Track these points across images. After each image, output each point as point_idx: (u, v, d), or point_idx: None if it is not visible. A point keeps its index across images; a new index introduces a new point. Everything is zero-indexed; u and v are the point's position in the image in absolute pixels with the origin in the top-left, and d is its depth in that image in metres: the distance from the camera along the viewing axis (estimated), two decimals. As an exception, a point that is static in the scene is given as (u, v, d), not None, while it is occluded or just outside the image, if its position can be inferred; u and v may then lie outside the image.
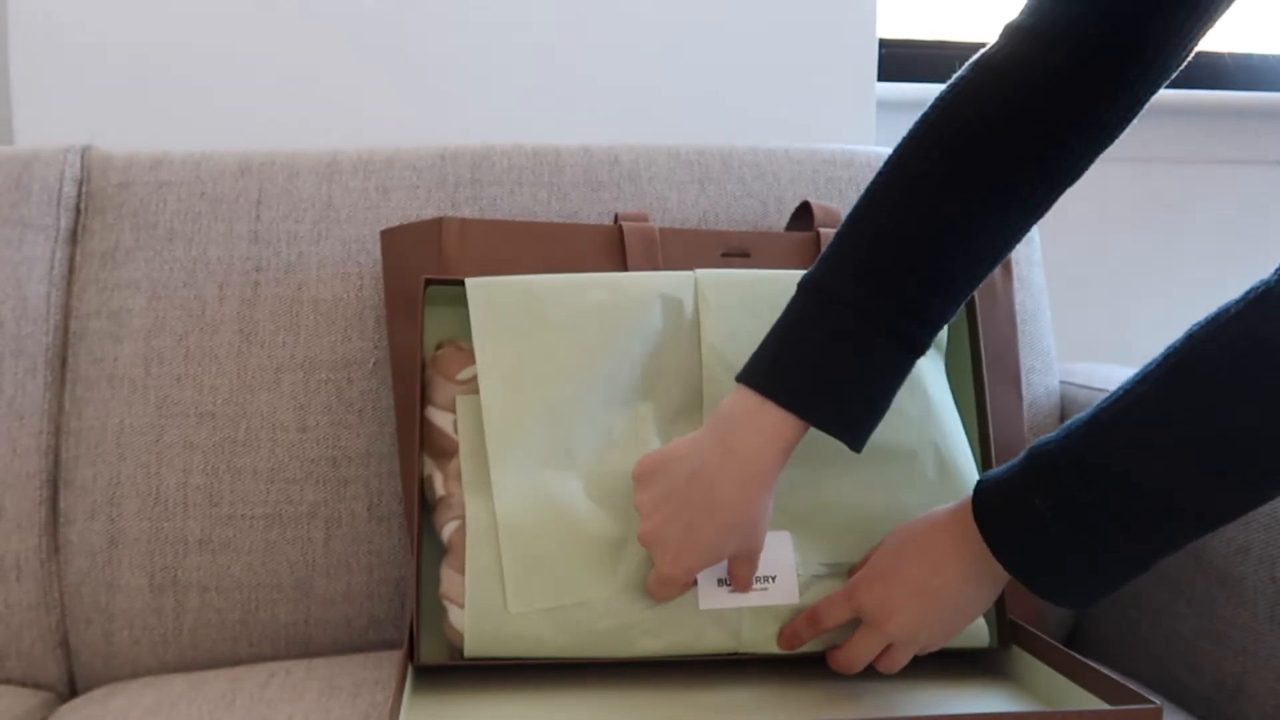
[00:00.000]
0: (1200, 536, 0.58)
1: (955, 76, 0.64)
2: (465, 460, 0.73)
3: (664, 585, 0.68)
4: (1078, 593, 0.61)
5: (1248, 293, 0.55)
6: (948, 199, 0.63)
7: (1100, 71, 0.60)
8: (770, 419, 0.64)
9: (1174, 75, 0.63)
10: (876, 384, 0.65)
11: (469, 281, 0.75)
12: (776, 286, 0.76)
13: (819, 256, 0.66)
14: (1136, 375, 0.59)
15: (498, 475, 0.71)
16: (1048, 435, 0.62)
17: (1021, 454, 0.63)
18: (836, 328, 0.63)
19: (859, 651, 0.69)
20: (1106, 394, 0.60)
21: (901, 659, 0.68)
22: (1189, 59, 0.62)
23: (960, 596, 0.66)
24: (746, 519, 0.66)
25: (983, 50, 0.64)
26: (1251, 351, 0.54)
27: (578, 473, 0.72)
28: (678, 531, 0.66)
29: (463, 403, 0.75)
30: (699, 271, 0.77)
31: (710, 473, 0.65)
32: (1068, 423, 0.61)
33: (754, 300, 0.76)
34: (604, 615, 0.70)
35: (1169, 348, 0.58)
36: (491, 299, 0.74)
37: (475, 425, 0.74)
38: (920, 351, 0.65)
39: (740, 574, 0.70)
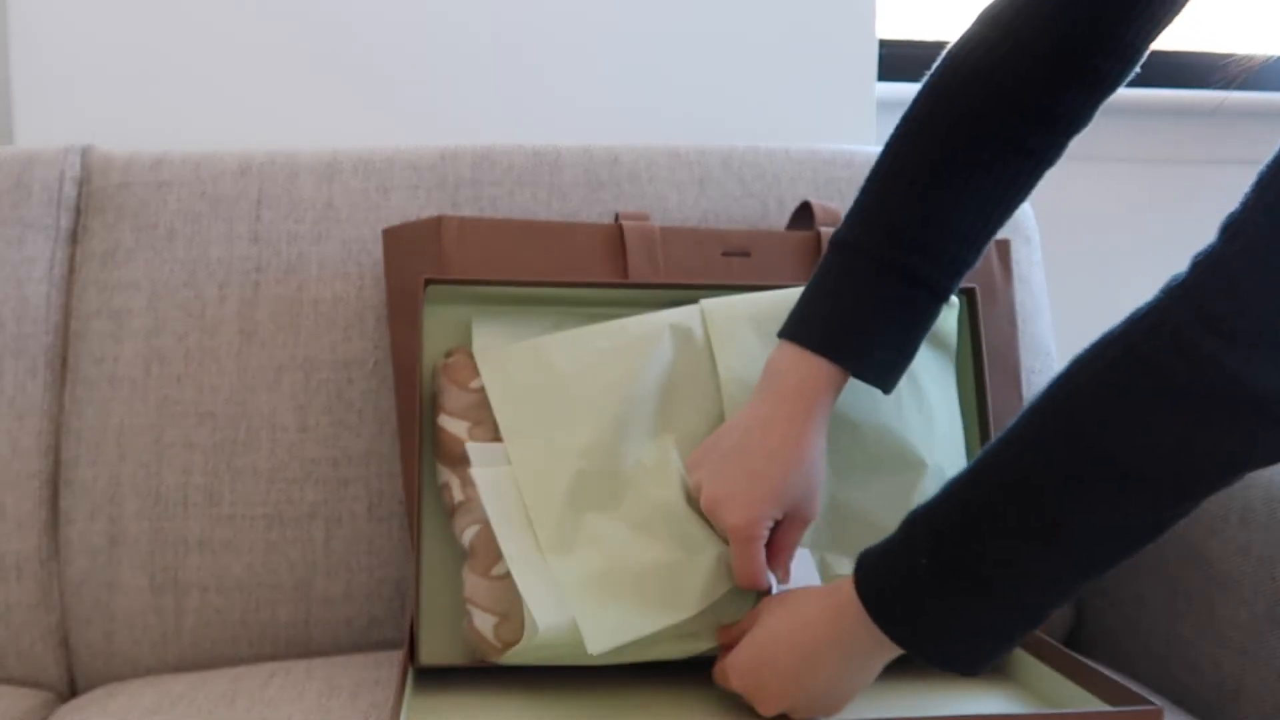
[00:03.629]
0: (1090, 579, 0.57)
1: (964, 31, 0.67)
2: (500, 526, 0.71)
3: (742, 544, 0.66)
4: (972, 654, 0.59)
5: (1131, 315, 0.54)
6: (956, 149, 0.66)
7: (1097, 19, 0.63)
8: (808, 364, 0.67)
9: (1169, 23, 0.65)
10: (902, 328, 0.68)
11: (478, 355, 0.75)
12: (783, 303, 0.76)
13: (848, 212, 0.70)
14: (1020, 412, 0.57)
15: (545, 534, 0.70)
16: (926, 501, 0.60)
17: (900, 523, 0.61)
18: (860, 277, 0.68)
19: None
20: None
21: None
22: (1184, 8, 0.64)
23: (840, 680, 0.63)
24: (805, 461, 0.67)
25: (990, 4, 0.67)
26: (1132, 374, 0.53)
27: (621, 510, 0.72)
28: (743, 480, 0.67)
29: (484, 476, 0.73)
30: (704, 301, 0.78)
31: (765, 419, 0.68)
32: (947, 482, 0.60)
33: (762, 319, 0.76)
34: (676, 631, 0.69)
35: (1052, 379, 0.56)
36: (504, 366, 0.75)
37: (501, 494, 0.72)
38: (943, 296, 0.69)
39: (788, 539, 0.69)
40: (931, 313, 0.69)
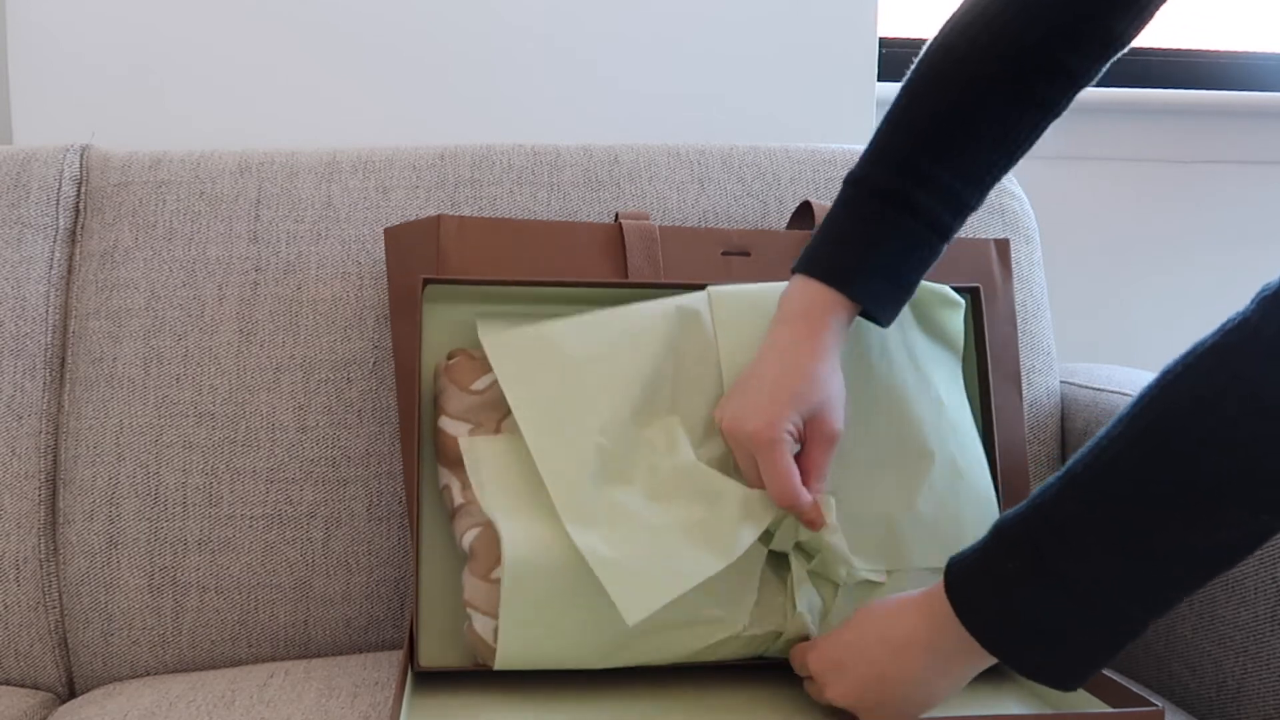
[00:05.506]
0: (1189, 591, 0.55)
1: None
2: (492, 498, 0.71)
3: (766, 449, 0.67)
4: (1065, 665, 0.57)
5: (1224, 325, 0.53)
6: (968, 96, 0.69)
7: None
8: (812, 290, 0.71)
9: None
10: (899, 257, 0.71)
11: (483, 337, 0.75)
12: None
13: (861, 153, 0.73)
14: (1111, 421, 0.56)
15: (565, 508, 0.69)
16: (1014, 507, 0.59)
17: (989, 529, 0.60)
18: (862, 207, 0.70)
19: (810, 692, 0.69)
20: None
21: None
22: None
23: (919, 686, 0.62)
24: (816, 368, 0.69)
25: None
26: (1227, 385, 0.52)
27: (637, 485, 0.72)
28: (755, 392, 0.69)
29: (471, 446, 0.73)
30: (712, 288, 0.78)
31: (774, 341, 0.71)
32: (1037, 488, 0.59)
33: (767, 310, 0.76)
34: (707, 591, 0.68)
35: (1144, 389, 0.56)
36: (510, 347, 0.74)
37: (493, 464, 0.73)
38: (943, 233, 0.71)
39: (817, 458, 0.69)
40: (930, 248, 0.71)
